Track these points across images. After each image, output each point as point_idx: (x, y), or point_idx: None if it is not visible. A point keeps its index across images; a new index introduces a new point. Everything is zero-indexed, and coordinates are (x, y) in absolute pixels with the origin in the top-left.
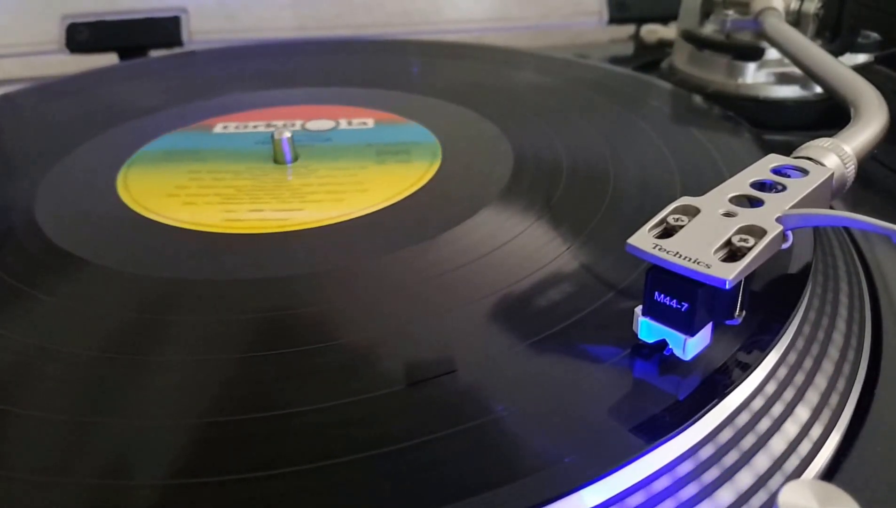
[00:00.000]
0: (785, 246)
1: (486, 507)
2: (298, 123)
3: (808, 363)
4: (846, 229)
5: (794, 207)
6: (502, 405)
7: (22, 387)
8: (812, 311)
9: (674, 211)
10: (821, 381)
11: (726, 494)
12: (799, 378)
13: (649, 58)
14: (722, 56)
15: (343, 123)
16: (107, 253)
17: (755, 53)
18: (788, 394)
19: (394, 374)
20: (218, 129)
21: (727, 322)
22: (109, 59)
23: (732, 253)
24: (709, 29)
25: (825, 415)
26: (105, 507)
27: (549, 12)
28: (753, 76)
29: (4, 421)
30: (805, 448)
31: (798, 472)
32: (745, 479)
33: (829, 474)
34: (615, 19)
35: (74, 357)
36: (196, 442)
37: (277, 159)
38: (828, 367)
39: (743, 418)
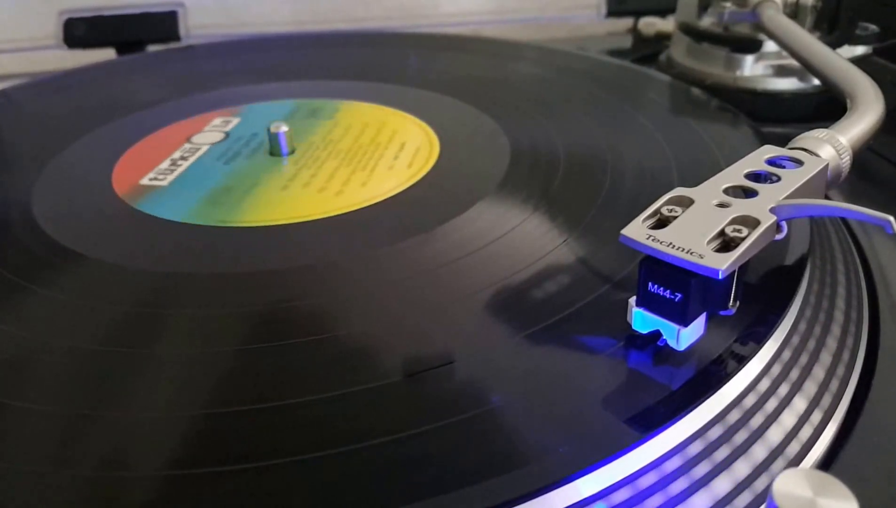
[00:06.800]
0: (779, 237)
1: (483, 496)
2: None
3: (805, 355)
4: (843, 220)
5: (788, 197)
6: (498, 395)
7: (20, 381)
8: (809, 302)
9: (668, 202)
10: (818, 372)
11: (722, 484)
12: (796, 370)
13: (647, 51)
14: (720, 48)
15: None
16: (103, 247)
17: (753, 46)
18: (785, 386)
19: (390, 366)
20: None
21: (721, 313)
22: (107, 54)
23: (726, 243)
24: (707, 21)
25: (822, 406)
26: (104, 499)
27: (546, 5)
28: (751, 68)
29: (3, 414)
30: (801, 439)
31: (794, 462)
32: (740, 470)
33: (825, 464)
34: (613, 12)
35: (72, 351)
36: (193, 434)
37: (274, 153)
38: (825, 358)
39: (739, 409)
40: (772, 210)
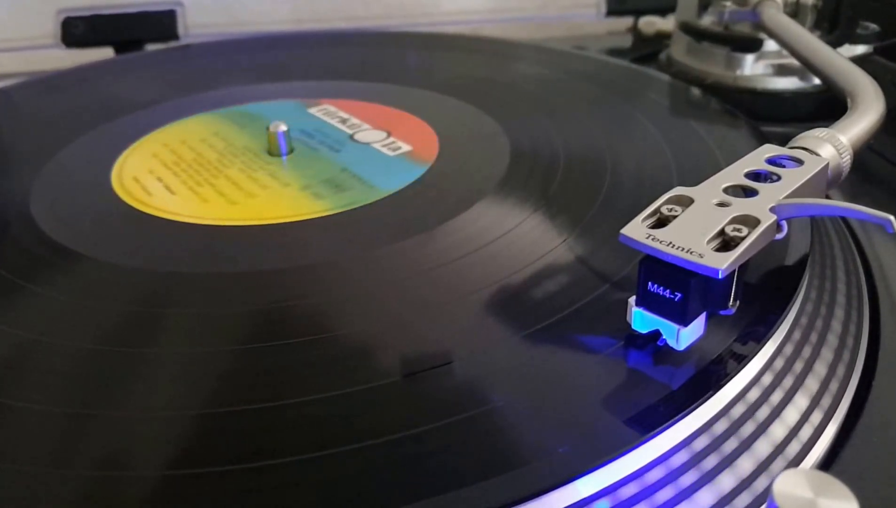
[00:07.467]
0: (779, 236)
1: (482, 497)
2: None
3: (805, 354)
4: (844, 220)
5: (788, 197)
6: (497, 395)
7: (19, 380)
8: (809, 302)
9: (667, 201)
10: (818, 371)
11: (722, 484)
12: (797, 368)
13: (647, 50)
14: (720, 48)
15: (380, 141)
16: (101, 247)
17: (753, 45)
18: (786, 384)
19: (390, 365)
20: (313, 110)
21: (721, 312)
22: (105, 53)
23: (726, 243)
24: (707, 20)
25: (822, 406)
26: (103, 498)
27: (546, 4)
28: (751, 68)
29: (2, 414)
30: (801, 439)
31: (795, 462)
32: (740, 470)
33: (825, 464)
34: (613, 11)
35: (70, 351)
36: (192, 434)
37: (272, 152)
38: (825, 358)
39: (739, 409)
40: (772, 210)
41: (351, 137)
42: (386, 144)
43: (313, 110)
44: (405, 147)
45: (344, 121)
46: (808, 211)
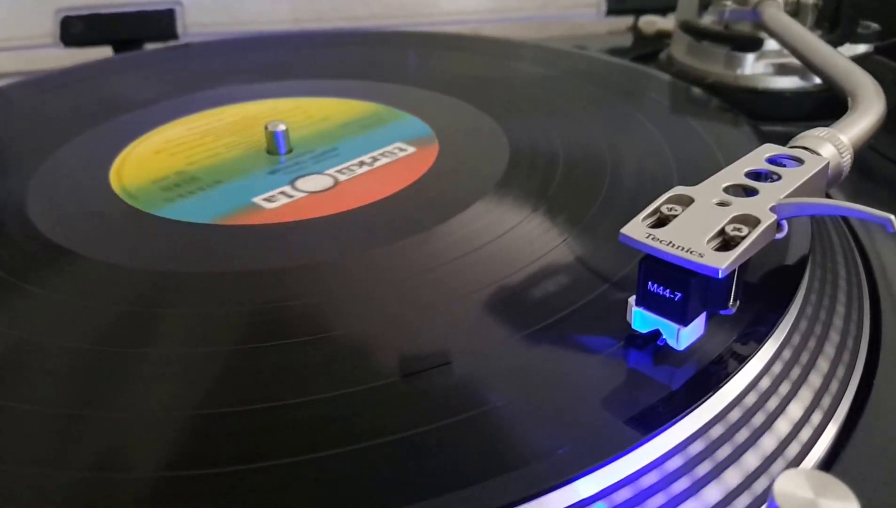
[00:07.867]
0: (780, 236)
1: (482, 497)
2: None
3: (805, 355)
4: (845, 219)
5: (788, 196)
6: (496, 396)
7: (16, 381)
8: (809, 302)
9: (668, 201)
10: (819, 371)
11: (721, 485)
12: (796, 370)
13: (647, 49)
14: (720, 47)
15: (299, 191)
16: (99, 247)
17: (754, 44)
18: (785, 386)
19: (389, 366)
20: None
21: (721, 312)
22: (104, 52)
23: (726, 242)
24: (707, 20)
25: (823, 405)
26: (100, 500)
27: (547, 3)
28: (752, 67)
29: (1, 415)
30: (801, 440)
31: (795, 462)
32: (739, 471)
33: (826, 464)
34: (613, 10)
35: (68, 351)
36: (192, 435)
37: (270, 151)
38: (826, 357)
39: (738, 410)
40: (772, 209)
41: (315, 172)
42: (293, 193)
43: (398, 144)
44: (295, 202)
45: (377, 158)
46: (808, 211)
